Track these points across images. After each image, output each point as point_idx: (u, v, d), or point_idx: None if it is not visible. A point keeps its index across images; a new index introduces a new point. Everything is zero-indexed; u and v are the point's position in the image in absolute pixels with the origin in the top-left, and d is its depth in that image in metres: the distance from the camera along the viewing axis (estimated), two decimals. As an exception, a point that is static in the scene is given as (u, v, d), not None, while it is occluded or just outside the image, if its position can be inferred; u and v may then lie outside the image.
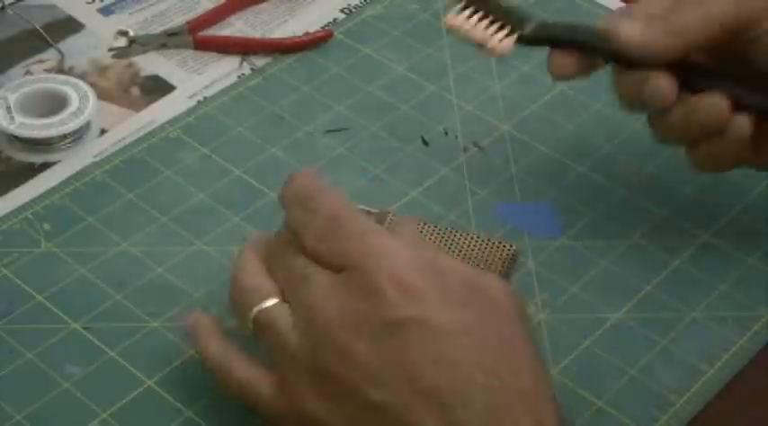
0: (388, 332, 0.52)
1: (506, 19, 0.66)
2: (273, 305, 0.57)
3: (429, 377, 0.51)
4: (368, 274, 0.54)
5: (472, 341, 0.52)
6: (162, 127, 0.76)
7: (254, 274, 0.58)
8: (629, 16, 0.64)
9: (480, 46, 0.66)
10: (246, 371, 0.57)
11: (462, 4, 0.66)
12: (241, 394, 0.58)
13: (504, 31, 0.66)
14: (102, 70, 0.81)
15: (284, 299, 0.56)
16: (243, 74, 0.81)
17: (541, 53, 0.82)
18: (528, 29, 0.66)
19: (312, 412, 0.54)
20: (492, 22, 0.66)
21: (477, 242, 0.66)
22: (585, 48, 0.65)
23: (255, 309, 0.57)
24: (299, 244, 0.58)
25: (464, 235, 0.67)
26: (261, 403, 0.57)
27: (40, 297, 0.66)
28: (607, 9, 0.86)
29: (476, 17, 0.66)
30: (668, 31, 0.63)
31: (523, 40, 0.66)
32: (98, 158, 0.75)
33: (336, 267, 0.55)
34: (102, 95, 0.78)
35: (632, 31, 0.63)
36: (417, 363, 0.52)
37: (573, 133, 0.77)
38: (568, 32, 0.66)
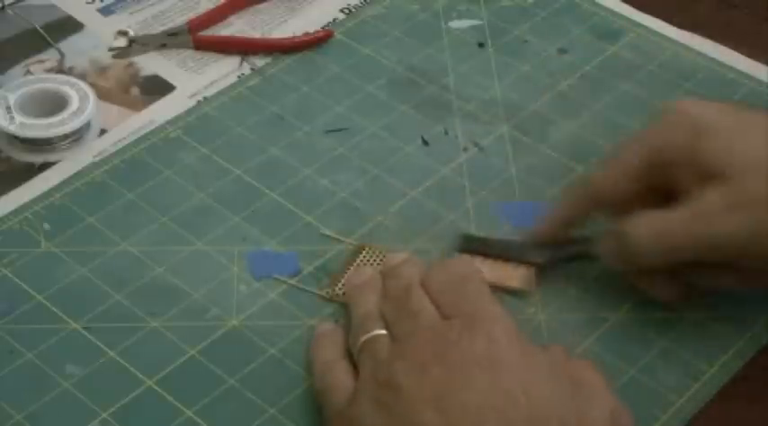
0: (465, 367, 0.54)
1: (511, 254, 0.67)
2: (380, 334, 0.59)
3: (484, 421, 0.52)
4: (470, 324, 0.56)
5: (534, 405, 0.53)
6: (162, 127, 0.76)
7: (369, 301, 0.62)
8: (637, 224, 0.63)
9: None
10: (341, 375, 0.59)
11: (462, 255, 0.68)
12: (324, 393, 0.59)
13: (518, 266, 0.67)
14: (102, 70, 0.81)
15: (388, 327, 0.59)
16: (243, 74, 0.81)
17: (541, 53, 0.83)
18: (543, 257, 0.67)
19: (364, 417, 0.55)
20: (498, 259, 0.67)
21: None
22: (593, 257, 0.66)
23: (365, 336, 0.59)
24: (424, 287, 0.60)
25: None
26: (331, 404, 0.58)
27: (40, 297, 0.66)
28: (607, 9, 0.86)
29: (486, 260, 0.67)
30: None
31: (541, 267, 0.67)
32: (98, 158, 0.75)
33: (446, 316, 0.58)
34: (102, 95, 0.78)
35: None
36: (480, 407, 0.53)
37: (573, 133, 0.77)
38: (576, 248, 0.67)
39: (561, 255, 0.67)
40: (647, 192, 0.63)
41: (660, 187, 0.63)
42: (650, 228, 0.62)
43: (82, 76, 0.79)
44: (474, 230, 0.70)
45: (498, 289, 0.65)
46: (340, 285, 0.66)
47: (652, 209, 0.62)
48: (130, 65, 0.82)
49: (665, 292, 0.65)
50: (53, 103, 0.76)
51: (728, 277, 0.64)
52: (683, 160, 0.62)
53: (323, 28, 0.84)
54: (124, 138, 0.76)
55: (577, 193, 0.67)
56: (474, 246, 0.68)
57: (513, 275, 0.67)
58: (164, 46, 0.83)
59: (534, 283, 0.67)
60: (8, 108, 0.75)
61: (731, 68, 0.81)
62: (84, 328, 0.64)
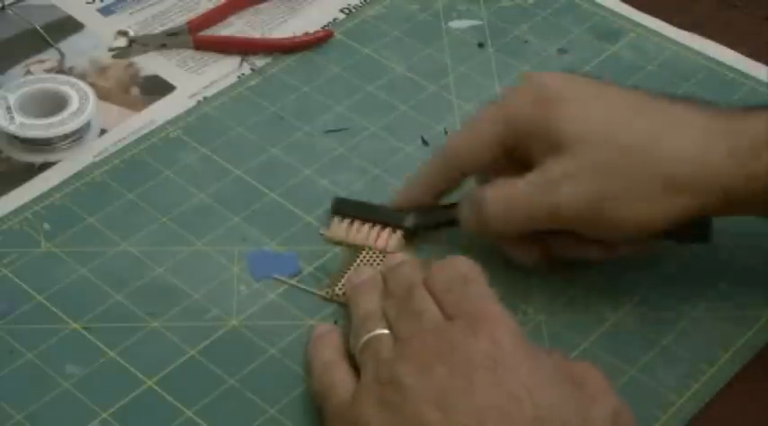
0: (470, 367, 0.54)
1: (382, 218, 0.69)
2: (382, 334, 0.59)
3: (487, 421, 0.52)
4: (473, 324, 0.56)
5: (538, 406, 0.53)
6: (162, 127, 0.76)
7: (371, 301, 0.62)
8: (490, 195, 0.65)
9: (364, 248, 0.68)
10: (341, 374, 0.59)
11: (334, 217, 0.69)
12: (324, 393, 0.59)
13: (386, 230, 0.68)
14: (102, 70, 0.81)
15: (390, 327, 0.59)
16: (243, 74, 0.81)
17: (541, 53, 0.83)
18: (409, 222, 0.68)
19: (366, 417, 0.54)
20: (369, 224, 0.69)
21: None
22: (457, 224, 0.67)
23: (367, 336, 0.59)
24: (426, 287, 0.61)
25: None
26: (331, 404, 0.58)
27: (40, 297, 0.66)
28: (607, 9, 0.86)
29: (353, 224, 0.69)
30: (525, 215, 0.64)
31: (409, 232, 0.68)
32: (98, 158, 0.75)
33: (449, 316, 0.58)
34: (102, 95, 0.78)
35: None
36: (484, 407, 0.53)
37: (573, 133, 0.77)
38: (445, 215, 0.68)
39: (428, 221, 0.68)
40: (506, 161, 0.65)
41: (517, 156, 0.64)
42: (497, 197, 0.64)
43: (82, 76, 0.79)
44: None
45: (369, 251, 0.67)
46: (340, 285, 0.66)
47: (503, 178, 0.64)
48: (130, 65, 0.82)
49: (523, 257, 0.66)
50: (53, 103, 0.76)
51: (587, 247, 0.65)
52: (532, 130, 0.63)
53: (323, 28, 0.84)
54: (124, 138, 0.76)
55: (437, 161, 0.68)
56: (347, 210, 0.69)
57: (383, 238, 0.68)
58: (164, 46, 0.83)
59: (402, 247, 0.68)
60: (8, 108, 0.75)
61: (731, 68, 0.81)
62: (84, 328, 0.64)
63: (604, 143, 0.61)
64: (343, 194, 0.72)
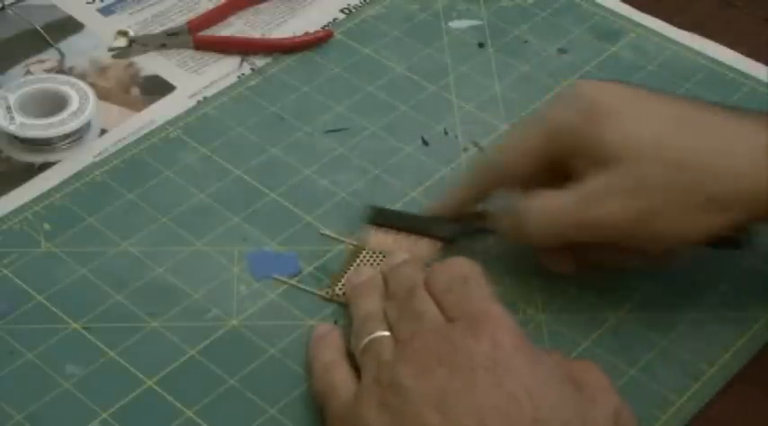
0: (470, 369, 0.54)
1: (419, 227, 0.68)
2: (383, 335, 0.59)
3: (487, 423, 0.52)
4: (474, 325, 0.56)
5: (538, 407, 0.53)
6: (162, 127, 0.76)
7: (371, 302, 0.62)
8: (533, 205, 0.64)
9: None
10: (342, 375, 0.59)
11: (371, 227, 0.69)
12: (325, 394, 0.59)
13: (424, 240, 0.68)
14: (102, 70, 0.81)
15: (390, 328, 0.59)
16: (243, 74, 0.81)
17: (541, 53, 0.83)
18: (447, 231, 0.68)
19: (367, 419, 0.54)
20: (406, 232, 0.68)
21: None
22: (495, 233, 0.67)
23: (368, 338, 0.59)
24: (426, 287, 0.60)
25: None
26: (333, 406, 0.58)
27: (40, 297, 0.66)
28: (607, 9, 0.86)
29: (393, 233, 0.68)
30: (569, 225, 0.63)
31: (446, 242, 0.68)
32: (98, 158, 0.75)
33: (450, 317, 0.58)
34: (102, 95, 0.78)
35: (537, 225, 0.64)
36: (484, 409, 0.53)
37: (573, 133, 0.77)
38: (481, 223, 0.67)
39: (465, 230, 0.68)
40: (547, 171, 0.64)
41: (560, 167, 0.64)
42: (540, 209, 0.63)
43: (82, 76, 0.79)
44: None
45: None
46: (340, 285, 0.66)
47: (547, 189, 0.63)
48: (130, 65, 0.82)
49: (560, 265, 0.66)
50: (53, 103, 0.76)
51: (627, 256, 0.65)
52: (576, 143, 0.62)
53: (323, 28, 0.84)
54: (124, 138, 0.76)
55: (478, 170, 0.68)
56: (382, 219, 0.69)
57: (419, 248, 0.68)
58: (164, 46, 0.83)
59: (438, 256, 0.67)
60: (8, 108, 0.75)
61: (731, 68, 0.81)
62: (84, 328, 0.64)
63: (650, 158, 0.61)
64: (343, 194, 0.72)
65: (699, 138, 0.61)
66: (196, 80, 0.80)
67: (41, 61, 0.82)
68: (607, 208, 0.61)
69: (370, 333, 0.59)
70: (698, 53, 0.83)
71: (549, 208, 0.63)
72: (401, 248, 0.67)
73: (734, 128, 0.62)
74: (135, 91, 0.80)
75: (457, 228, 0.68)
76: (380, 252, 0.68)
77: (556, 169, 0.64)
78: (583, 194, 0.62)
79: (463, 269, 0.61)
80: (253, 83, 0.80)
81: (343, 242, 0.69)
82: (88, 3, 0.86)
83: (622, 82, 0.67)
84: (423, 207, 0.70)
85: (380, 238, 0.69)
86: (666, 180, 0.60)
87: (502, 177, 0.66)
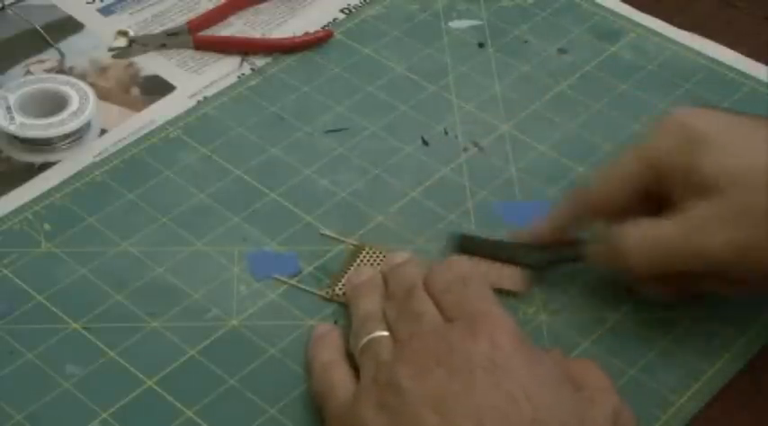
0: (468, 369, 0.54)
1: (506, 255, 0.67)
2: (382, 336, 0.59)
3: (486, 423, 0.52)
4: (472, 325, 0.56)
5: (537, 408, 0.53)
6: (162, 127, 0.76)
7: (371, 302, 0.62)
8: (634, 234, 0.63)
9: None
10: (341, 375, 0.59)
11: (459, 255, 0.67)
12: (324, 394, 0.59)
13: (508, 267, 0.67)
14: (102, 70, 0.81)
15: (389, 328, 0.59)
16: (243, 74, 0.81)
17: (541, 53, 0.83)
18: (534, 259, 0.67)
19: (365, 419, 0.54)
20: (492, 259, 0.67)
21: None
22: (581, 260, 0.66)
23: (366, 338, 0.59)
24: (425, 287, 0.61)
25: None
26: (331, 406, 0.58)
27: (40, 297, 0.66)
28: (607, 9, 0.86)
29: (479, 260, 0.67)
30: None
31: (534, 269, 0.67)
32: (98, 158, 0.75)
33: (448, 318, 0.58)
34: (102, 95, 0.78)
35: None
36: (482, 409, 0.53)
37: (573, 133, 0.77)
38: (570, 251, 0.66)
39: (554, 258, 0.67)
40: (641, 200, 0.64)
41: (655, 196, 0.63)
42: (642, 238, 0.62)
43: (82, 76, 0.79)
44: (474, 230, 0.70)
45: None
46: (340, 285, 0.66)
47: (645, 218, 0.62)
48: (130, 65, 0.82)
49: (658, 294, 0.65)
50: (53, 103, 0.76)
51: (724, 285, 0.64)
52: (677, 172, 0.62)
53: (323, 28, 0.84)
54: (124, 138, 0.76)
55: (574, 200, 0.67)
56: (467, 246, 0.68)
57: (506, 276, 0.67)
58: (164, 46, 0.83)
59: (527, 285, 0.67)
60: (8, 108, 0.75)
61: (731, 68, 0.81)
62: (84, 328, 0.64)
63: (753, 187, 0.60)
64: (343, 194, 0.72)
65: None
66: (196, 80, 0.80)
67: (41, 61, 0.82)
68: (711, 238, 0.60)
69: (370, 333, 0.59)
70: (698, 53, 0.83)
71: (649, 237, 0.62)
72: (486, 276, 0.66)
73: None
74: (135, 91, 0.80)
75: (545, 256, 0.67)
76: (381, 252, 0.68)
77: (651, 199, 0.63)
78: (686, 224, 0.61)
79: (462, 269, 0.61)
80: (253, 83, 0.80)
81: (343, 242, 0.69)
82: (88, 3, 0.86)
83: (716, 108, 0.67)
84: (512, 234, 0.69)
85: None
86: None
87: (598, 206, 0.65)
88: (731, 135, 0.63)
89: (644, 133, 0.65)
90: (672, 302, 0.65)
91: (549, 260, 0.67)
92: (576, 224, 0.67)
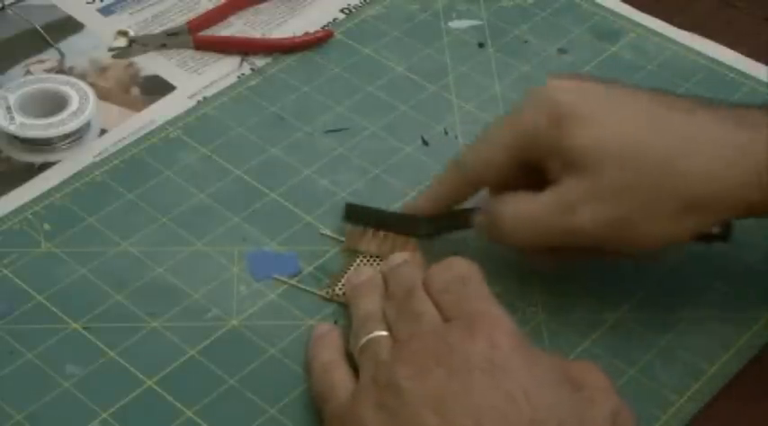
0: (467, 369, 0.54)
1: (395, 225, 0.69)
2: (381, 335, 0.59)
3: (484, 424, 0.52)
4: (471, 326, 0.56)
5: (535, 408, 0.53)
6: (162, 127, 0.76)
7: (371, 302, 0.62)
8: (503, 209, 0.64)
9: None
10: (341, 376, 0.59)
11: (347, 224, 0.69)
12: (323, 394, 0.59)
13: (401, 238, 0.68)
14: (102, 70, 0.81)
15: (389, 328, 0.59)
16: (243, 74, 0.81)
17: (541, 53, 0.83)
18: (423, 230, 0.68)
19: (364, 419, 0.54)
20: (382, 229, 0.69)
21: None
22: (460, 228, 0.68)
23: (366, 338, 0.59)
24: (424, 287, 0.61)
25: None
26: (331, 406, 0.58)
27: (40, 297, 0.66)
28: (607, 9, 0.86)
29: (366, 232, 0.69)
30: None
31: (423, 239, 0.68)
32: (98, 158, 0.75)
33: (447, 318, 0.58)
34: (102, 95, 0.78)
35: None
36: (481, 410, 0.53)
37: (573, 133, 0.77)
38: (457, 221, 0.67)
39: (442, 228, 0.68)
40: (522, 172, 0.64)
41: (531, 169, 0.63)
42: (516, 213, 0.63)
43: (82, 76, 0.79)
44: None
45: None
46: (340, 285, 0.66)
47: (523, 192, 0.63)
48: (130, 65, 0.82)
49: (540, 264, 0.66)
50: (53, 103, 0.76)
51: (602, 256, 0.65)
52: (547, 147, 0.62)
53: (323, 28, 0.84)
54: (124, 138, 0.76)
55: (450, 174, 0.67)
56: (359, 216, 0.69)
57: (398, 246, 0.68)
58: (164, 46, 0.83)
59: (418, 254, 0.67)
60: (8, 108, 0.75)
61: (731, 68, 0.81)
62: (84, 328, 0.64)
63: (622, 163, 0.60)
64: (343, 194, 0.72)
65: (669, 139, 0.61)
66: (196, 80, 0.80)
67: (41, 61, 0.82)
68: (583, 215, 0.61)
69: (369, 333, 0.59)
70: (698, 53, 0.83)
71: (523, 213, 0.63)
72: (375, 246, 0.68)
73: (705, 125, 0.61)
74: (135, 91, 0.80)
75: (432, 226, 0.68)
76: (373, 255, 0.68)
77: (527, 171, 0.64)
78: (556, 201, 0.62)
79: (462, 269, 0.61)
80: (253, 83, 0.80)
81: (343, 242, 0.69)
82: (88, 3, 0.86)
83: (589, 78, 0.67)
84: (401, 206, 0.70)
85: (356, 236, 0.69)
86: (639, 184, 0.60)
87: (474, 182, 0.66)
88: (601, 109, 0.62)
89: (513, 105, 0.66)
90: (554, 272, 0.66)
91: (436, 229, 0.68)
92: (457, 196, 0.67)
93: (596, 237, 0.61)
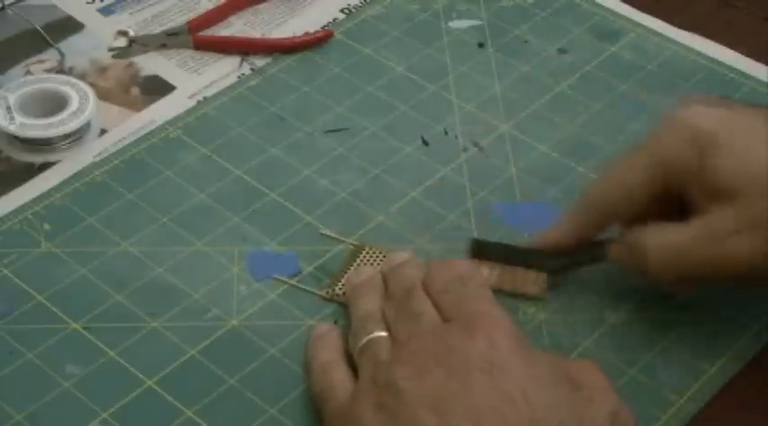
0: (466, 370, 0.54)
1: (523, 260, 0.67)
2: (381, 336, 0.59)
3: (483, 424, 0.52)
4: (470, 326, 0.56)
5: (534, 408, 0.53)
6: (162, 127, 0.76)
7: (371, 302, 0.62)
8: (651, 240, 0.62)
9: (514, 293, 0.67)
10: (340, 376, 0.59)
11: (474, 260, 0.67)
12: (322, 394, 0.59)
13: (529, 272, 0.67)
14: (102, 70, 0.81)
15: (388, 328, 0.59)
16: (243, 74, 0.81)
17: (541, 53, 0.83)
18: (552, 264, 0.66)
19: (363, 419, 0.54)
20: (509, 264, 0.67)
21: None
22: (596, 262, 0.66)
23: (365, 338, 0.59)
24: (424, 287, 0.61)
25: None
26: (330, 406, 0.58)
27: (40, 297, 0.66)
28: (607, 9, 0.86)
29: (495, 267, 0.67)
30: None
31: (552, 274, 0.67)
32: (98, 158, 0.75)
33: (447, 318, 0.58)
34: (102, 95, 0.78)
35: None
36: (480, 410, 0.53)
37: (573, 133, 0.77)
38: (588, 254, 0.66)
39: (573, 261, 0.66)
40: (657, 202, 0.63)
41: (670, 197, 0.62)
42: (663, 244, 0.61)
43: (82, 76, 0.79)
44: (474, 230, 0.70)
45: (514, 296, 0.66)
46: (340, 285, 0.66)
47: (664, 221, 0.62)
48: (130, 65, 0.82)
49: (681, 290, 0.65)
50: (53, 103, 0.76)
51: (746, 284, 0.63)
52: (689, 176, 0.61)
53: (323, 28, 0.84)
54: (124, 138, 0.76)
55: (583, 208, 0.66)
56: (485, 252, 0.67)
57: (527, 281, 0.66)
58: (164, 46, 0.83)
59: (546, 289, 0.66)
60: (8, 108, 0.75)
61: (731, 68, 0.81)
62: (84, 328, 0.64)
63: None
64: (343, 194, 0.72)
65: None
66: (196, 80, 0.81)
67: (41, 61, 0.82)
68: (739, 245, 0.59)
69: (369, 334, 0.59)
70: (698, 53, 0.83)
71: (669, 244, 0.61)
72: (506, 282, 0.66)
73: None
74: (135, 91, 0.80)
75: (563, 259, 0.66)
76: (381, 252, 0.68)
77: (665, 200, 0.62)
78: (707, 230, 0.60)
79: (461, 269, 0.61)
80: (253, 83, 0.80)
81: (343, 242, 0.69)
82: (88, 3, 0.86)
83: (722, 103, 0.65)
84: (528, 239, 0.68)
85: (483, 271, 0.66)
86: None
87: (608, 215, 0.64)
88: (740, 134, 0.61)
89: (650, 133, 0.64)
90: (694, 294, 0.65)
91: (567, 263, 0.67)
92: (590, 230, 0.66)
93: (749, 268, 0.60)
